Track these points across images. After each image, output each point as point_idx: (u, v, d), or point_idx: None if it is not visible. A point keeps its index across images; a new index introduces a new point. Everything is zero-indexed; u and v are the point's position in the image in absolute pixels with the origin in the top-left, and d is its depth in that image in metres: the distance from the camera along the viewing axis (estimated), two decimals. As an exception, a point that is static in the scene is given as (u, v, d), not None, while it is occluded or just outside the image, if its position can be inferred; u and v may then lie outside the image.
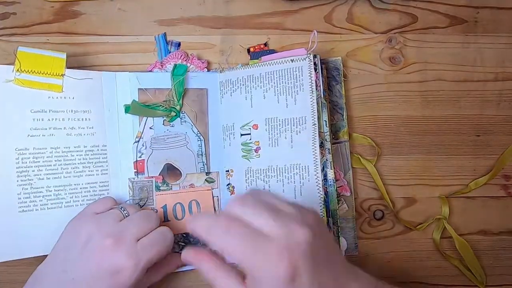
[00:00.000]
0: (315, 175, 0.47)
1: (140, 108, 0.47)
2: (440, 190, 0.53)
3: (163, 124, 0.48)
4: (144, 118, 0.48)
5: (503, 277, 0.52)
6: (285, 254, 0.26)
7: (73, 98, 0.46)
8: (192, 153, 0.49)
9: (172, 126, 0.49)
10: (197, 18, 0.53)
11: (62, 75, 0.45)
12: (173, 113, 0.48)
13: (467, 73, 0.54)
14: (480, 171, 0.53)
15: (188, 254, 0.31)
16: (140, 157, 0.47)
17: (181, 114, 0.49)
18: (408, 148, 0.53)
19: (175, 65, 0.48)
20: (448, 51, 0.54)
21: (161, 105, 0.48)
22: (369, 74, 0.53)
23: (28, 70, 0.44)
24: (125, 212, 0.42)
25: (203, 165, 0.49)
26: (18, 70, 0.43)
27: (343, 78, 0.52)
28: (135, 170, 0.47)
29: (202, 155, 0.49)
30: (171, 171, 0.48)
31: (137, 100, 0.48)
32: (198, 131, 0.49)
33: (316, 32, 0.48)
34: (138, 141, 0.47)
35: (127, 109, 0.47)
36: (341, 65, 0.52)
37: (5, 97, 0.44)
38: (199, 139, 0.49)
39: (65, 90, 0.46)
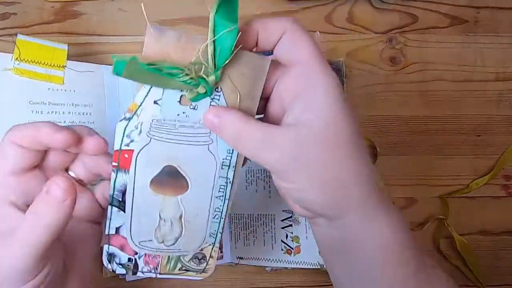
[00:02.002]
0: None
1: (144, 72, 0.26)
2: (440, 190, 0.53)
3: (180, 101, 0.28)
4: (147, 86, 0.28)
5: (504, 277, 0.52)
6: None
7: (74, 91, 0.45)
8: (215, 160, 0.30)
9: (194, 109, 0.29)
10: (197, 18, 0.53)
11: (63, 66, 0.44)
12: (201, 89, 0.27)
13: (468, 73, 0.54)
14: (481, 171, 0.53)
15: (208, 113, 0.28)
16: (127, 145, 0.29)
17: (214, 93, 0.28)
18: (408, 148, 0.53)
19: (220, 1, 0.28)
20: (448, 51, 0.54)
21: (183, 71, 0.27)
22: (370, 74, 0.53)
23: (27, 60, 0.42)
24: None
25: (226, 182, 0.31)
26: (17, 59, 0.41)
27: (344, 79, 0.52)
28: (115, 163, 0.29)
29: (229, 167, 0.30)
30: (172, 178, 0.30)
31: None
32: None
33: (319, 33, 0.48)
34: (130, 119, 0.28)
35: (118, 66, 0.26)
36: (343, 66, 0.52)
37: (2, 86, 0.41)
38: None
39: (66, 82, 0.44)
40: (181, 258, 0.33)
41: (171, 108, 0.28)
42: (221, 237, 0.33)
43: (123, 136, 0.29)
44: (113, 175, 0.29)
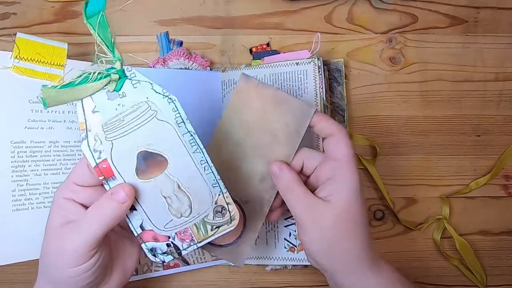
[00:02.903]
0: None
1: (60, 93, 0.29)
2: (440, 190, 0.53)
3: (109, 98, 0.31)
4: (79, 103, 0.31)
5: (503, 277, 0.52)
6: (355, 168, 0.37)
7: None
8: (169, 123, 0.33)
9: (124, 97, 0.32)
10: (198, 18, 0.53)
11: (63, 65, 0.43)
12: (114, 76, 0.30)
13: (467, 73, 0.54)
14: (480, 171, 0.53)
15: (274, 165, 0.38)
16: (99, 157, 0.32)
17: (128, 73, 0.32)
18: (409, 148, 0.53)
19: (86, 3, 0.30)
20: (448, 51, 0.54)
21: (90, 73, 0.30)
22: (369, 74, 0.53)
23: (27, 58, 0.41)
24: None
25: (191, 135, 0.33)
26: (16, 57, 0.41)
27: (344, 80, 0.52)
28: (102, 177, 0.33)
29: (183, 122, 0.33)
30: (150, 160, 0.33)
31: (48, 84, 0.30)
32: (163, 89, 0.32)
33: (319, 34, 0.49)
34: (87, 137, 0.31)
35: (44, 102, 0.30)
36: (343, 66, 0.52)
37: (1, 85, 0.40)
38: (169, 100, 0.32)
39: (65, 81, 0.44)
40: (206, 219, 0.35)
41: (107, 108, 0.32)
42: (224, 183, 0.35)
43: (91, 153, 0.32)
44: (106, 187, 0.33)
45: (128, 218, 0.34)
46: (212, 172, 0.34)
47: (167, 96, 0.32)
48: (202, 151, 0.34)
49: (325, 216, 0.36)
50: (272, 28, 0.53)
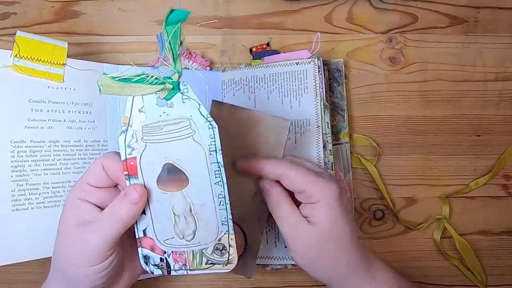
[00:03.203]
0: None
1: (115, 84, 0.31)
2: (440, 190, 0.53)
3: (157, 104, 0.32)
4: (131, 98, 0.32)
5: (503, 277, 0.52)
6: (333, 181, 0.38)
7: (74, 89, 0.44)
8: (202, 148, 0.32)
9: (171, 107, 0.32)
10: (197, 18, 0.53)
11: (64, 64, 0.43)
12: (168, 85, 0.31)
13: (467, 73, 0.54)
14: (480, 171, 0.53)
15: (265, 181, 0.39)
16: (130, 153, 0.33)
17: (182, 87, 0.32)
18: (409, 148, 0.53)
19: (172, 9, 0.32)
20: (448, 51, 0.54)
21: (148, 75, 0.31)
22: (369, 74, 0.53)
23: (27, 57, 0.40)
24: None
25: (218, 167, 0.33)
26: (16, 55, 0.40)
27: (344, 80, 0.52)
28: (126, 172, 0.33)
29: (215, 151, 0.33)
30: (173, 175, 0.33)
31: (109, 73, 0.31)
32: (208, 114, 0.32)
33: (319, 34, 0.49)
34: (126, 131, 0.32)
35: (99, 88, 0.31)
36: (343, 66, 0.52)
37: (1, 84, 0.40)
38: (210, 126, 0.32)
39: (66, 80, 0.43)
40: (204, 251, 0.35)
41: (153, 112, 0.32)
42: (233, 225, 0.34)
43: (125, 147, 0.33)
44: (127, 182, 0.33)
45: (136, 219, 0.34)
46: (226, 209, 0.34)
47: (210, 121, 0.32)
48: (223, 186, 0.33)
49: (306, 236, 0.37)
50: (272, 28, 0.53)
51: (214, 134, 0.32)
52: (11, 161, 0.40)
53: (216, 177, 0.33)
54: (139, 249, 0.35)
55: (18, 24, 0.51)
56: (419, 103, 0.53)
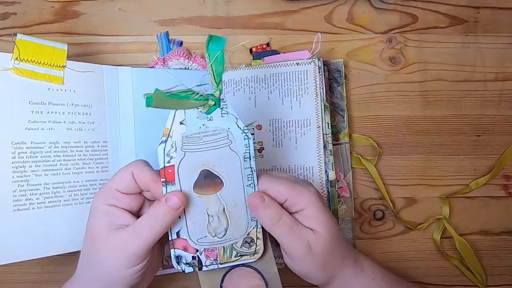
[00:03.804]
0: (319, 176, 0.47)
1: (166, 98, 0.34)
2: (440, 190, 0.53)
3: (198, 117, 0.36)
4: (172, 111, 0.36)
5: (503, 277, 0.52)
6: (310, 184, 0.39)
7: (74, 91, 0.44)
8: (238, 155, 0.37)
9: (210, 120, 0.36)
10: (198, 18, 0.53)
11: (63, 66, 0.43)
12: (211, 102, 0.35)
13: (467, 73, 0.54)
14: (480, 171, 0.53)
15: (252, 198, 0.38)
16: (168, 162, 0.36)
17: (222, 104, 0.36)
18: (409, 148, 0.53)
19: (210, 36, 0.35)
20: (448, 51, 0.54)
21: (194, 92, 0.35)
22: (369, 74, 0.53)
23: (27, 59, 0.41)
24: None
25: (251, 171, 0.37)
26: (17, 58, 0.41)
27: (344, 80, 0.52)
28: (163, 179, 0.36)
29: (249, 158, 0.37)
30: (209, 180, 0.37)
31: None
32: (245, 126, 0.37)
33: (320, 35, 0.49)
34: (166, 141, 0.36)
35: (149, 101, 0.33)
36: (343, 67, 0.52)
37: (2, 86, 0.40)
38: (246, 137, 0.37)
39: (65, 82, 0.44)
40: (234, 246, 0.39)
41: (193, 124, 0.36)
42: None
43: (164, 155, 0.36)
44: (163, 189, 0.36)
45: None
46: None
47: (246, 133, 0.37)
48: (254, 187, 0.38)
49: (318, 245, 0.37)
50: (272, 28, 0.53)
51: (249, 144, 0.37)
52: (12, 162, 0.41)
53: (248, 180, 0.37)
54: (172, 250, 0.38)
55: (18, 24, 0.51)
56: (419, 103, 0.53)
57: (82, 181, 0.44)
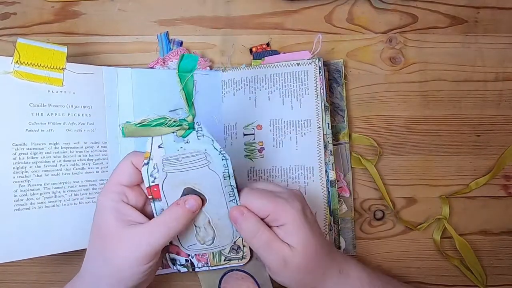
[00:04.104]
0: (319, 176, 0.47)
1: (139, 129, 0.36)
2: (440, 190, 0.53)
3: (175, 140, 0.37)
4: (150, 137, 0.38)
5: (504, 277, 0.52)
6: (294, 198, 0.39)
7: (74, 93, 0.45)
8: (217, 174, 0.38)
9: (187, 143, 0.38)
10: (198, 18, 0.53)
11: (63, 68, 0.44)
12: (185, 126, 0.37)
13: (467, 73, 0.54)
14: (480, 171, 0.53)
15: (233, 211, 0.39)
16: (153, 181, 0.38)
17: (196, 127, 0.38)
18: (409, 148, 0.53)
19: (182, 55, 0.37)
20: (448, 51, 0.54)
21: (166, 119, 0.36)
22: (369, 74, 0.53)
23: (27, 63, 0.42)
24: None
25: (232, 188, 0.39)
26: (17, 62, 0.41)
27: (344, 80, 0.52)
28: (151, 197, 0.38)
29: (229, 177, 0.38)
30: (192, 196, 0.39)
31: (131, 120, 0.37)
32: (221, 148, 0.38)
33: (321, 36, 0.49)
34: (148, 164, 0.38)
35: (123, 132, 0.36)
36: (343, 67, 0.52)
37: (3, 89, 0.41)
38: (223, 157, 0.38)
39: (65, 84, 0.44)
40: (222, 252, 0.42)
41: (171, 147, 0.37)
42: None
43: (148, 176, 0.38)
44: (152, 205, 0.38)
45: None
46: None
47: (223, 154, 0.38)
48: (236, 202, 0.39)
49: (293, 261, 0.37)
50: (272, 28, 0.53)
51: (227, 163, 0.38)
52: (13, 163, 0.41)
53: (230, 197, 0.39)
54: (167, 254, 0.41)
55: (18, 24, 0.51)
56: (419, 103, 0.53)
57: (82, 182, 0.45)
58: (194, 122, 0.37)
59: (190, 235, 0.40)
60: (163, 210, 0.38)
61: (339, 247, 0.49)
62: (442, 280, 0.52)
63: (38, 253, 0.42)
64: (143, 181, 0.39)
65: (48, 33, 0.51)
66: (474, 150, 0.53)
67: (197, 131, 0.38)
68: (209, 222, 0.40)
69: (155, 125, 0.36)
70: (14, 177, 0.41)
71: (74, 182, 0.44)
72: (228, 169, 0.38)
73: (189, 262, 0.42)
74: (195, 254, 0.42)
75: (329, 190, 0.48)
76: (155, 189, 0.38)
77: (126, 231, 0.36)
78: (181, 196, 0.38)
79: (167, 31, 0.52)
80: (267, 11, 0.53)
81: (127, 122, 0.36)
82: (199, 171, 0.38)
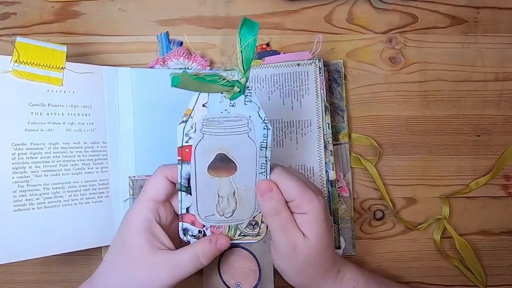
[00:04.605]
0: (319, 175, 0.47)
1: (192, 81, 0.34)
2: (440, 190, 0.53)
3: (221, 101, 0.36)
4: (196, 93, 0.36)
5: (503, 277, 0.52)
6: (320, 194, 0.39)
7: (73, 92, 0.45)
8: (255, 144, 0.37)
9: (233, 106, 0.36)
10: (198, 18, 0.53)
11: (62, 68, 0.43)
12: (236, 89, 0.35)
13: (467, 73, 0.54)
14: (480, 171, 0.53)
15: (262, 183, 0.38)
16: (187, 142, 0.36)
17: (246, 91, 0.36)
18: (409, 148, 0.53)
19: (244, 19, 0.34)
20: (448, 51, 0.54)
21: (221, 77, 0.35)
22: (369, 74, 0.53)
23: (27, 62, 0.41)
24: None
25: (266, 160, 0.38)
26: (16, 61, 0.41)
27: (344, 81, 0.52)
28: (180, 158, 0.37)
29: (266, 148, 0.37)
30: (224, 163, 0.38)
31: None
32: (266, 117, 0.37)
33: (321, 36, 0.49)
34: (186, 121, 0.36)
35: (175, 81, 0.33)
36: (342, 67, 0.52)
37: (2, 88, 0.41)
38: (265, 127, 0.37)
39: (65, 84, 0.44)
40: (239, 226, 0.40)
41: (216, 108, 0.36)
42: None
43: (183, 135, 0.36)
44: (179, 167, 0.37)
45: (181, 198, 0.38)
46: None
47: (266, 123, 0.37)
48: (266, 176, 0.38)
49: (303, 250, 0.38)
50: (272, 28, 0.53)
51: (267, 134, 0.37)
52: (12, 163, 0.41)
53: (261, 168, 0.38)
54: (180, 223, 0.39)
55: (18, 24, 0.51)
56: (419, 103, 0.53)
57: (81, 182, 0.44)
58: (245, 86, 0.36)
59: (210, 205, 0.39)
60: (189, 175, 0.37)
61: (339, 247, 0.49)
62: (442, 280, 0.52)
63: (38, 254, 0.42)
64: (175, 197, 0.39)
65: (48, 33, 0.51)
66: (474, 150, 0.53)
67: (246, 96, 0.36)
68: (234, 193, 0.39)
69: (209, 81, 0.34)
70: (13, 178, 0.41)
71: (74, 182, 0.44)
72: (267, 140, 0.37)
73: (202, 233, 0.40)
74: (210, 226, 0.40)
75: (329, 190, 0.48)
76: (187, 150, 0.37)
77: (153, 256, 0.37)
78: (212, 162, 0.37)
79: (167, 31, 0.52)
80: (267, 11, 0.53)
81: (184, 71, 0.35)
82: (238, 137, 0.37)
